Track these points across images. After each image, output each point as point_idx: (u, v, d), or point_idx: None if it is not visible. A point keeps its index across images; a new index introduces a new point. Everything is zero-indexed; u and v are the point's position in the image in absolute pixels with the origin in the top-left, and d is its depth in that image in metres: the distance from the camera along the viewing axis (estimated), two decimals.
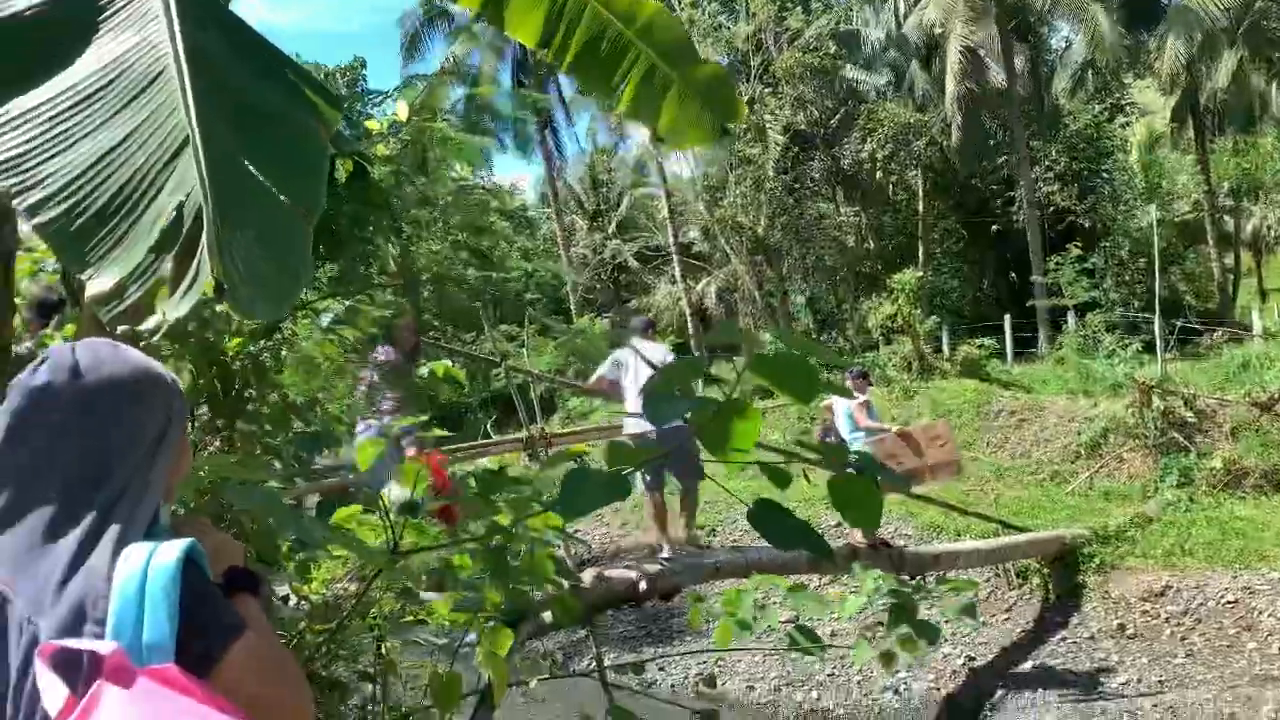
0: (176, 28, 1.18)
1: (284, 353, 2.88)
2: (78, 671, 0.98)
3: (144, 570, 1.06)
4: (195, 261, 1.03)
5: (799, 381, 1.56)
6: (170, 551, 1.08)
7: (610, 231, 33.95)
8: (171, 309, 1.03)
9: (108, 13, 1.23)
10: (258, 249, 1.06)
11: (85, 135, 1.15)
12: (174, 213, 1.05)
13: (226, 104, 1.17)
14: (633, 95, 2.57)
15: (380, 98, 25.51)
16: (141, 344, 1.17)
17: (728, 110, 2.67)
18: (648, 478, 6.53)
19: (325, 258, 2.79)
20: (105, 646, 0.99)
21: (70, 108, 1.17)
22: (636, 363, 6.17)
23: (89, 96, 1.18)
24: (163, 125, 1.13)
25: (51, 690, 0.97)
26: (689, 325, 28.42)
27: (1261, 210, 28.99)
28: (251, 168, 1.15)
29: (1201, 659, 8.17)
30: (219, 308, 2.98)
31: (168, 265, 1.05)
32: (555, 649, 9.39)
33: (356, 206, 2.66)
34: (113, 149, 1.13)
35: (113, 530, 1.10)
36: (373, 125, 3.03)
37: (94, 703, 0.95)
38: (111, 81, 1.19)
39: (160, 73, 1.17)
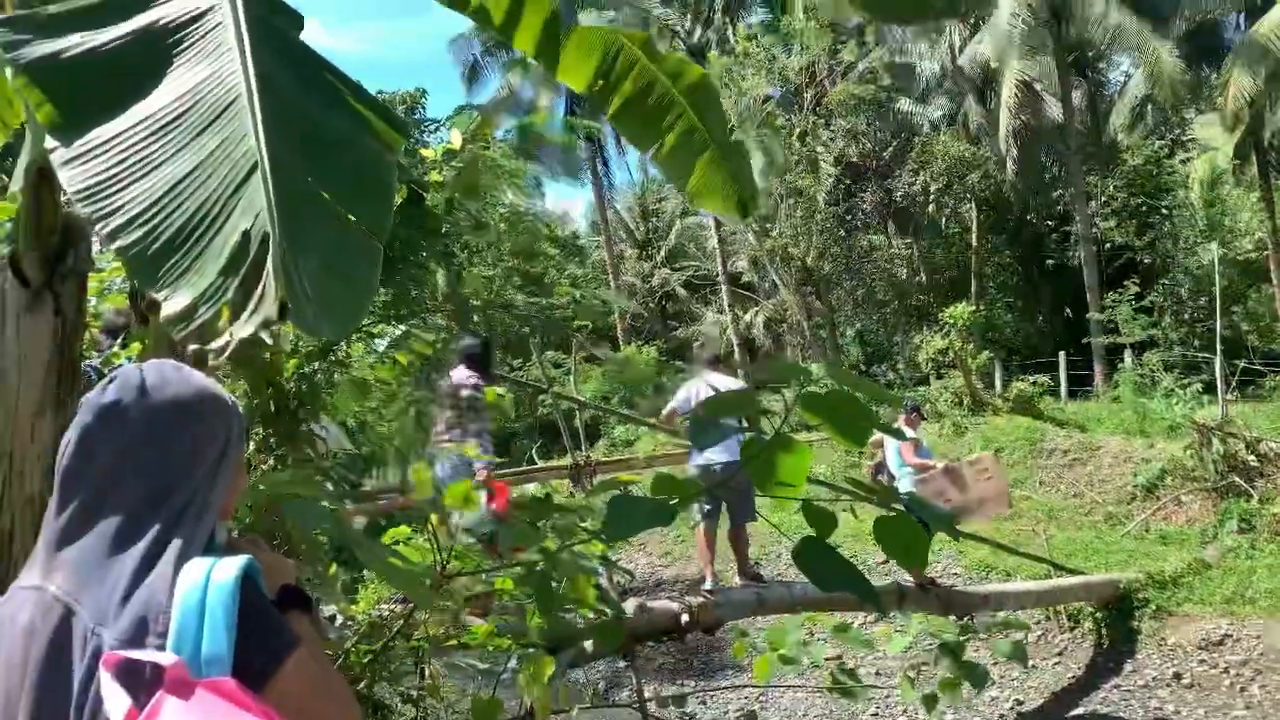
0: (249, 58, 1.22)
1: (336, 375, 2.93)
2: (140, 682, 1.01)
3: (204, 585, 1.08)
4: (261, 283, 1.06)
5: (851, 422, 1.54)
6: (229, 568, 1.11)
7: (659, 260, 34.09)
8: (239, 329, 1.07)
9: (183, 45, 1.27)
10: (324, 270, 1.09)
11: (161, 163, 1.20)
12: (242, 236, 1.09)
13: (295, 131, 1.21)
14: (670, 150, 2.64)
15: (435, 126, 25.99)
16: (210, 364, 1.21)
17: (744, 188, 2.72)
18: (706, 508, 6.49)
19: (380, 282, 2.84)
20: (166, 658, 1.02)
21: (147, 137, 1.22)
22: (705, 394, 6.15)
23: (164, 126, 1.23)
24: (233, 152, 1.17)
25: (114, 699, 1.00)
26: (735, 355, 28.36)
27: None
28: (320, 191, 1.18)
29: (1261, 711, 7.89)
30: (275, 329, 3.06)
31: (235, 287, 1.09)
32: (597, 679, 9.34)
33: (410, 232, 2.71)
34: (186, 175, 1.18)
35: (175, 545, 1.13)
36: (427, 153, 3.09)
37: (154, 713, 0.98)
38: (186, 111, 1.23)
39: (232, 102, 1.21)
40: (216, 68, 1.26)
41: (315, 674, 1.14)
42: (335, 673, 1.26)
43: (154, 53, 1.30)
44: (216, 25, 1.25)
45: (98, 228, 1.16)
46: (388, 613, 3.19)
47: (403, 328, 3.29)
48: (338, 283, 1.09)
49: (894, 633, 3.63)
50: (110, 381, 1.20)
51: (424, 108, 28.24)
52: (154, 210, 1.16)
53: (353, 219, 1.18)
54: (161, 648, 1.04)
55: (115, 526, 1.13)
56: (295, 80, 1.27)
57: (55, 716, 1.06)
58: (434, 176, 3.14)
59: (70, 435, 1.19)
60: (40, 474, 2.32)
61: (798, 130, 24.41)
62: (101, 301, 3.04)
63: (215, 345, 1.14)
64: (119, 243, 1.14)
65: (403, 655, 3.36)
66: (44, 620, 1.10)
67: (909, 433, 8.11)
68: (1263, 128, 25.01)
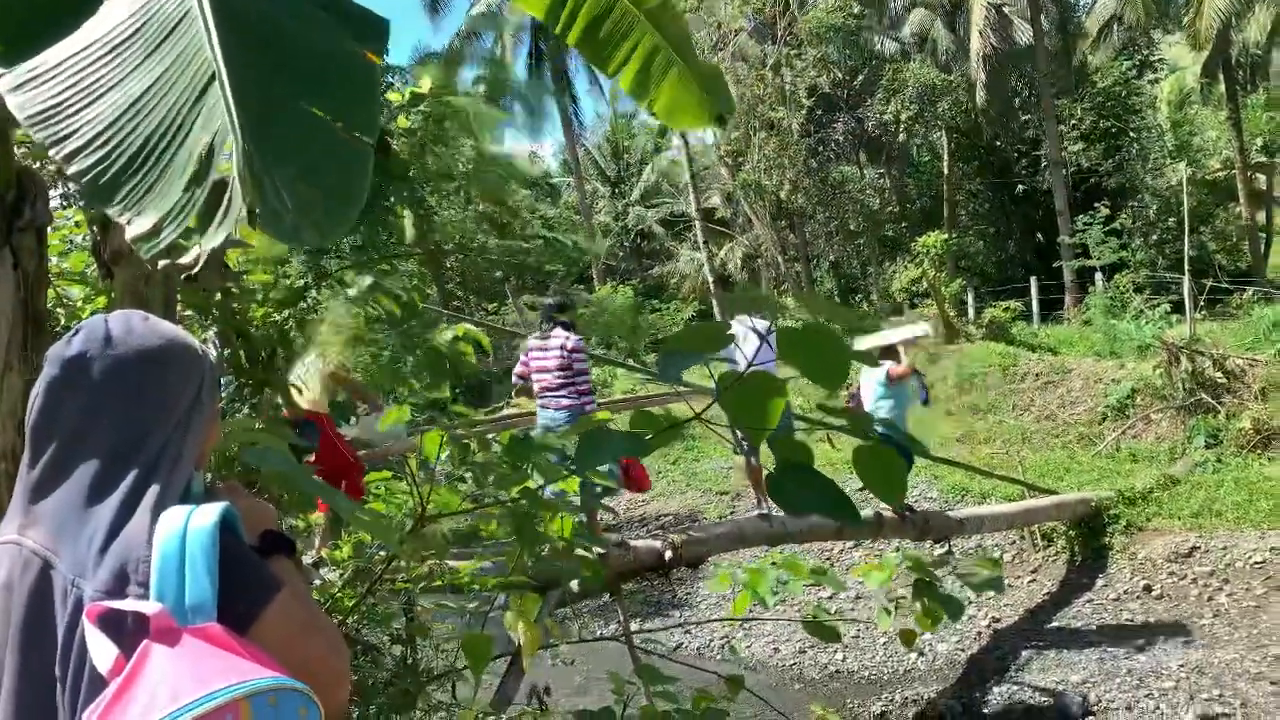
0: None
1: (308, 322, 2.92)
2: (125, 632, 1.02)
3: (183, 532, 1.08)
4: (228, 192, 1.04)
5: (828, 362, 1.50)
6: (207, 514, 1.11)
7: (632, 198, 33.84)
8: (208, 240, 1.06)
9: None
10: (302, 176, 1.07)
11: (115, 83, 1.17)
12: (205, 149, 1.07)
13: (259, 38, 1.18)
14: (635, 73, 2.63)
15: (399, 72, 25.48)
16: (183, 276, 1.20)
17: (723, 102, 2.75)
18: (742, 443, 6.77)
19: (353, 228, 2.81)
20: (150, 607, 1.02)
21: (99, 58, 1.19)
22: (745, 333, 6.13)
23: (117, 45, 1.20)
24: (190, 66, 1.14)
25: (101, 650, 1.01)
26: (711, 291, 28.38)
27: None
28: (291, 97, 1.16)
29: (1229, 619, 8.14)
30: (245, 279, 3.03)
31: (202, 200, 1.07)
32: (584, 615, 9.50)
33: (377, 178, 2.67)
34: (142, 95, 1.15)
35: (150, 495, 1.13)
36: (394, 97, 3.04)
37: (142, 661, 0.99)
38: (138, 29, 1.20)
39: (185, 14, 1.18)
40: None
41: (299, 616, 1.14)
42: (321, 614, 1.27)
43: None
44: None
45: (52, 152, 1.13)
46: (373, 557, 3.22)
47: (371, 275, 3.25)
48: (318, 189, 1.08)
49: (872, 568, 3.68)
50: (75, 333, 1.18)
51: (386, 50, 27.63)
52: (111, 131, 1.13)
53: (334, 124, 1.16)
54: (143, 597, 1.04)
55: (89, 478, 1.13)
56: None
57: (42, 670, 1.07)
58: (401, 122, 3.10)
59: (38, 389, 1.18)
60: (12, 429, 2.31)
61: (770, 62, 24.13)
62: (64, 259, 2.99)
63: (186, 260, 1.12)
64: (75, 167, 1.11)
65: (389, 598, 3.40)
66: (23, 575, 1.10)
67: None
68: (1230, 46, 24.95)
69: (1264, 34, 26.07)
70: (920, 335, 8.03)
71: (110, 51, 1.20)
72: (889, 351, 7.55)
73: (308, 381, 4.31)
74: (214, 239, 1.03)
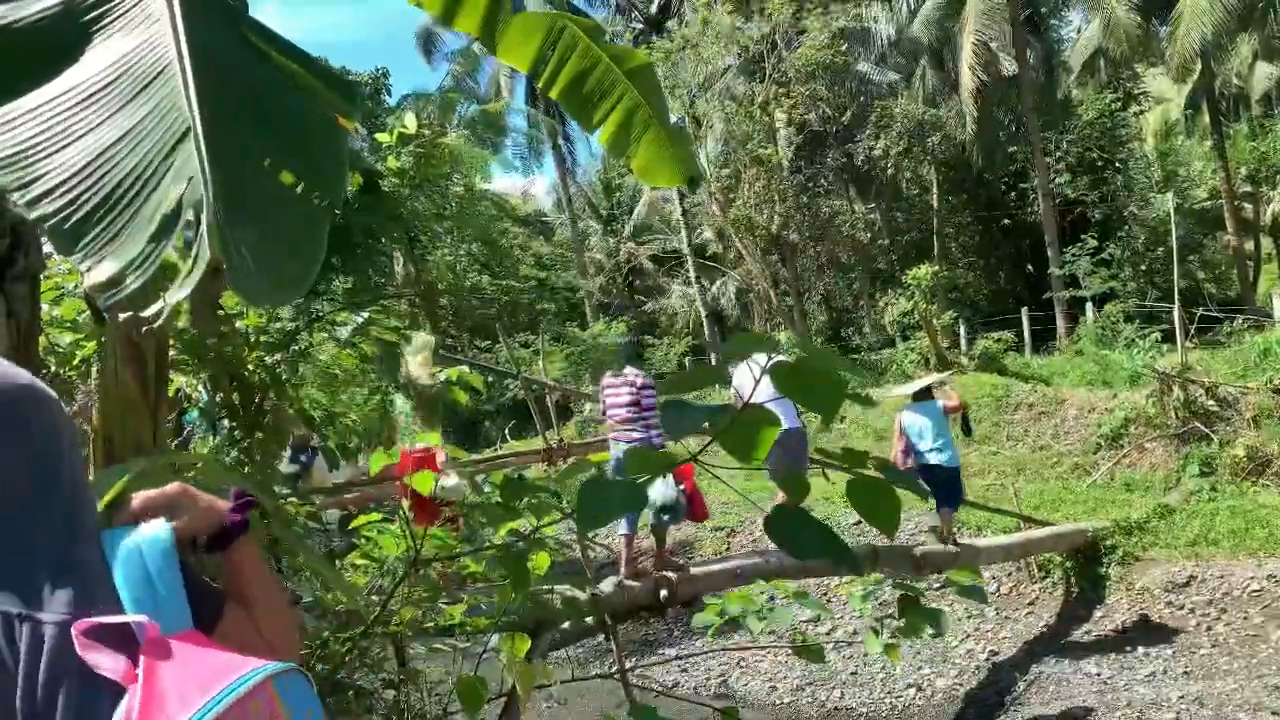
0: (180, 25, 1.21)
1: (300, 366, 2.93)
2: (123, 642, 1.02)
3: (139, 552, 1.10)
4: (195, 247, 1.05)
5: (824, 396, 1.53)
6: (154, 530, 1.14)
7: (624, 235, 34.02)
8: (172, 294, 1.06)
9: (112, 15, 1.25)
10: (265, 237, 1.08)
11: (87, 132, 1.18)
12: (174, 202, 1.08)
13: (235, 97, 1.19)
14: (614, 129, 2.71)
15: (393, 113, 25.75)
16: (146, 329, 1.19)
17: (690, 165, 2.85)
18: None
19: (339, 270, 2.83)
20: (139, 617, 1.03)
21: (72, 106, 1.20)
22: (755, 373, 6.26)
23: (91, 95, 1.21)
24: (165, 119, 1.14)
25: (106, 661, 1.00)
26: (704, 327, 28.44)
27: None
28: (261, 158, 1.17)
29: (1227, 649, 8.11)
30: (239, 324, 3.05)
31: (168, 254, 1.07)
32: (579, 654, 9.43)
33: (368, 218, 2.70)
34: (114, 144, 1.15)
35: (83, 520, 1.13)
36: (382, 138, 3.07)
37: (151, 668, 1.00)
38: (115, 80, 1.21)
39: (163, 69, 1.19)
40: (147, 36, 1.23)
41: (245, 624, 1.20)
42: (270, 595, 1.29)
43: (80, 23, 1.27)
44: None
45: (15, 197, 1.13)
46: (364, 601, 3.20)
47: (365, 315, 3.27)
48: (280, 251, 1.09)
49: (854, 591, 3.72)
50: None
51: (389, 89, 27.89)
52: (78, 178, 1.13)
53: (298, 188, 1.17)
54: (110, 613, 1.04)
55: (8, 517, 1.08)
56: (237, 50, 1.26)
57: None
58: (390, 163, 3.13)
59: None
60: None
61: (759, 99, 24.38)
62: (56, 306, 3.00)
63: (149, 313, 1.12)
64: (38, 211, 1.11)
65: (381, 642, 3.38)
66: None
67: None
68: (1214, 78, 25.32)
69: (1245, 65, 26.49)
70: (941, 380, 9.37)
71: (85, 99, 1.21)
72: (923, 393, 8.48)
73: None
74: (178, 293, 1.04)
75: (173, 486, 1.27)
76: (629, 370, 6.37)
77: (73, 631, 1.01)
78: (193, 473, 2.46)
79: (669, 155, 2.79)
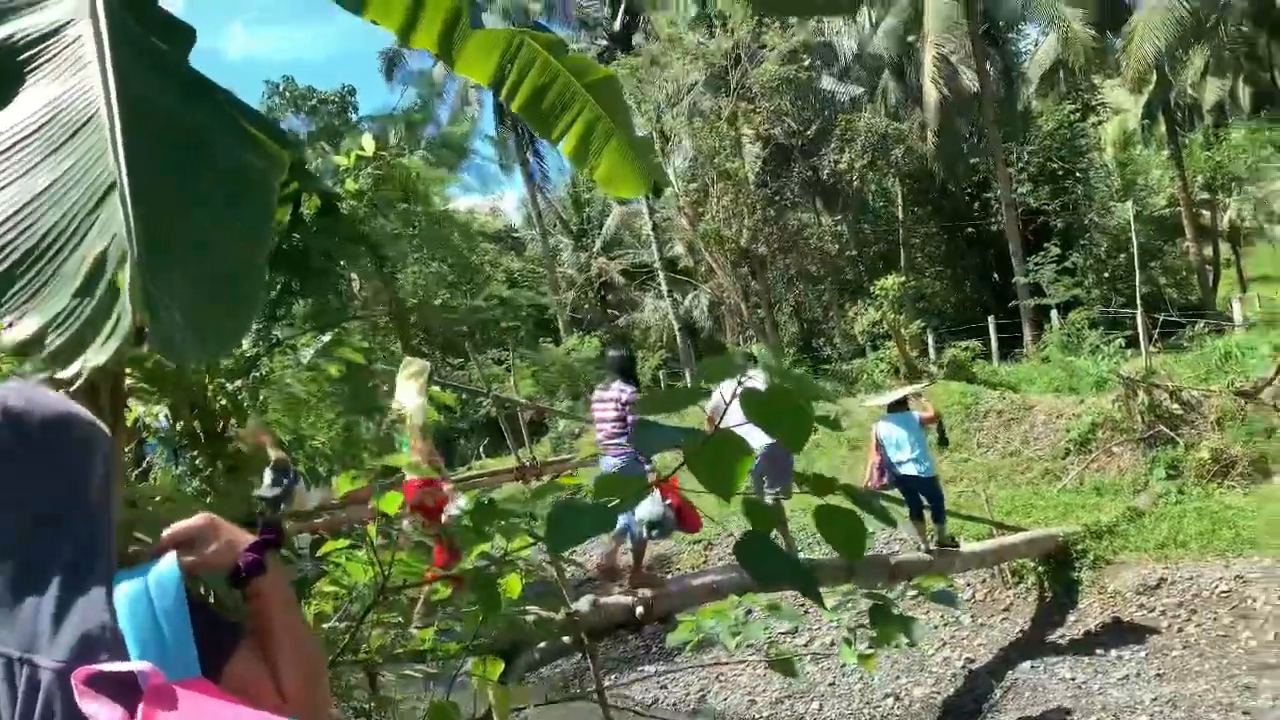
0: (110, 72, 1.18)
1: (262, 392, 2.89)
2: (124, 691, 0.99)
3: (146, 593, 1.08)
4: (117, 307, 1.02)
5: (791, 425, 1.53)
6: (163, 568, 1.11)
7: (595, 249, 34.04)
8: (93, 356, 1.03)
9: (40, 60, 1.21)
10: (194, 292, 1.05)
11: (9, 183, 1.14)
12: (97, 258, 1.04)
13: (165, 146, 1.16)
14: (576, 141, 2.71)
15: (363, 128, 25.71)
16: (65, 390, 1.14)
17: (654, 174, 2.86)
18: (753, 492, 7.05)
19: (299, 294, 2.80)
20: (142, 665, 1.00)
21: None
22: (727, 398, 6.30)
23: (18, 143, 1.17)
24: (91, 170, 1.11)
25: (103, 713, 0.97)
26: (678, 340, 28.49)
27: (1236, 202, 29.28)
28: (190, 210, 1.14)
29: (1198, 650, 8.20)
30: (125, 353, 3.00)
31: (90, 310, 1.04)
32: (557, 674, 9.36)
33: (326, 241, 2.67)
34: (37, 195, 1.12)
35: (97, 562, 1.10)
36: (340, 160, 3.05)
37: (151, 716, 0.97)
38: (40, 128, 1.17)
39: (92, 117, 1.15)
40: (77, 82, 1.20)
41: (257, 667, 1.15)
42: (297, 635, 1.24)
43: (13, 64, 1.24)
44: (76, 39, 1.20)
45: None
46: (332, 628, 3.16)
47: (327, 337, 3.23)
48: (209, 305, 1.06)
49: (829, 606, 3.72)
50: None
51: (355, 107, 27.85)
52: (2, 229, 1.10)
53: (227, 241, 1.15)
54: (113, 659, 1.01)
55: (15, 555, 1.08)
56: (168, 97, 1.23)
57: None
58: (349, 185, 3.11)
59: None
60: None
61: (725, 113, 24.53)
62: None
63: (67, 374, 1.09)
64: None
65: (351, 670, 3.33)
66: None
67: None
68: (1169, 89, 25.81)
69: (1198, 75, 27.02)
70: (917, 390, 9.64)
71: (11, 146, 1.17)
72: (899, 404, 8.60)
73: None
74: (99, 355, 1.00)
75: (198, 519, 1.24)
76: (616, 385, 6.35)
77: (72, 680, 0.98)
78: (152, 505, 2.42)
79: (632, 165, 2.80)
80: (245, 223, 1.18)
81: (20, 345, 1.03)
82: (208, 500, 2.65)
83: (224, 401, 2.86)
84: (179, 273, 1.05)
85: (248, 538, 1.25)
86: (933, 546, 8.53)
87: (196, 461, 2.78)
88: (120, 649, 1.03)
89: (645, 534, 6.28)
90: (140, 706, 0.97)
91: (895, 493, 8.62)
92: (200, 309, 1.04)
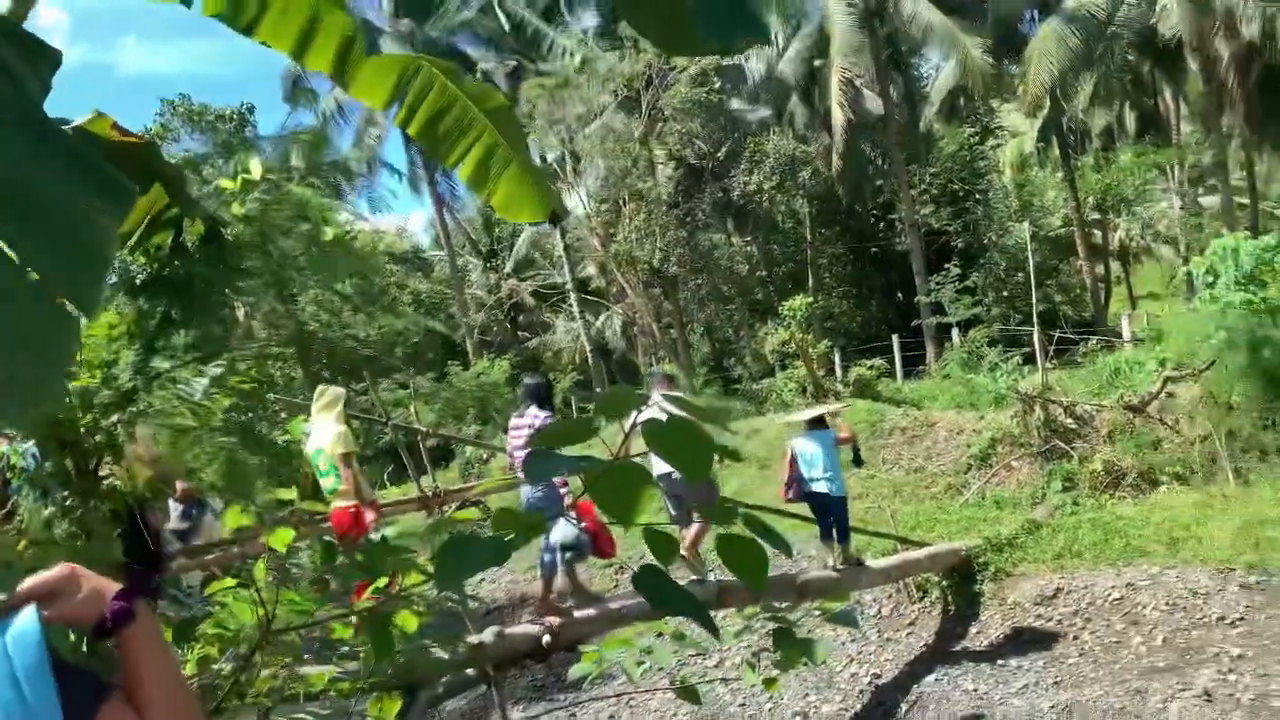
0: None
1: (139, 425, 2.76)
2: None
3: (4, 651, 1.04)
4: None
5: (690, 456, 1.54)
6: (22, 624, 1.06)
7: (506, 270, 33.83)
8: None
9: None
10: (9, 348, 0.98)
11: None
12: None
13: None
14: (474, 166, 2.72)
15: (264, 147, 25.13)
16: None
17: (551, 199, 2.88)
18: (673, 513, 7.39)
19: (179, 323, 2.69)
20: None
21: None
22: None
23: None
24: None
25: None
26: (590, 361, 28.45)
27: (1126, 222, 30.72)
28: (12, 259, 1.08)
29: (1093, 656, 8.46)
30: (72, 384, 2.86)
31: None
32: (464, 707, 9.19)
33: (209, 269, 2.58)
34: None
35: None
36: (226, 184, 2.96)
37: None
38: None
39: None
40: None
41: (127, 718, 1.12)
42: (163, 695, 1.19)
43: None
44: None
45: None
46: (217, 670, 3.02)
47: (216, 368, 3.12)
48: (23, 362, 1.00)
49: (729, 626, 3.77)
50: None
51: (254, 125, 27.23)
52: None
53: (51, 295, 1.09)
54: None
55: None
56: (4, 136, 1.16)
57: None
58: (235, 209, 3.01)
59: None
60: None
61: (637, 134, 24.71)
62: None
63: None
64: None
65: (243, 713, 3.20)
66: None
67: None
68: (1062, 113, 26.96)
69: (1089, 101, 28.28)
70: (835, 410, 10.07)
71: None
72: (817, 421, 8.76)
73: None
74: None
75: (59, 569, 1.20)
76: (530, 411, 6.29)
77: None
78: (19, 549, 2.29)
79: (530, 191, 2.81)
80: (74, 275, 1.11)
81: None
82: (79, 543, 2.52)
83: (99, 438, 2.73)
84: (9, 332, 0.98)
85: (114, 586, 1.21)
86: (839, 565, 8.66)
87: (68, 502, 2.64)
88: None
89: (560, 559, 6.25)
90: None
91: (805, 508, 8.77)
92: (12, 366, 0.97)
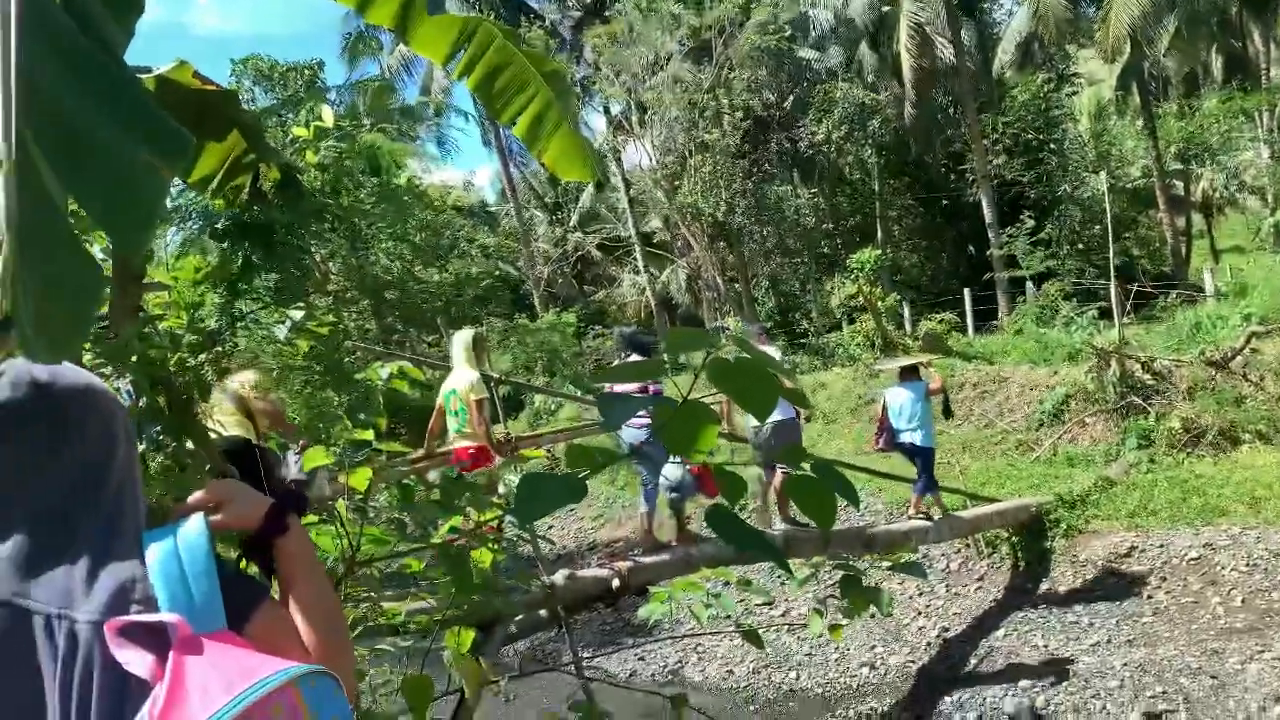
0: (13, 39, 1.12)
1: (226, 366, 2.84)
2: (155, 641, 1.06)
3: (175, 553, 1.15)
4: None
5: (757, 393, 1.58)
6: (191, 529, 1.19)
7: (571, 224, 33.87)
8: None
9: None
10: (47, 289, 1.01)
11: None
12: None
13: (53, 132, 1.11)
14: (529, 123, 2.78)
15: (337, 96, 25.43)
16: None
17: (597, 166, 2.97)
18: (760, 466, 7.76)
19: (261, 268, 2.76)
20: (172, 617, 1.08)
21: None
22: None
23: None
24: None
25: (134, 659, 1.05)
26: (654, 315, 28.47)
27: (1209, 172, 29.49)
28: (65, 202, 1.10)
29: (1168, 616, 8.32)
30: (162, 325, 2.95)
31: None
32: (534, 648, 9.40)
33: (288, 214, 2.63)
34: None
35: (127, 525, 1.19)
36: (300, 132, 3.00)
37: (180, 663, 1.05)
38: None
39: None
40: None
41: (284, 622, 1.23)
42: (322, 598, 1.31)
43: None
44: None
45: None
46: None
47: (297, 312, 3.19)
48: (58, 304, 1.02)
49: (798, 574, 3.80)
50: None
51: (323, 80, 27.54)
52: None
53: (94, 237, 1.12)
54: (145, 613, 1.09)
55: (51, 521, 1.15)
56: (68, 78, 1.17)
57: (17, 701, 1.08)
58: (309, 157, 3.06)
59: None
60: None
61: (706, 84, 24.39)
62: None
63: None
64: None
65: None
66: None
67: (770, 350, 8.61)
68: (1143, 59, 25.89)
69: (1171, 44, 27.10)
70: (926, 361, 10.18)
71: None
72: (909, 372, 8.88)
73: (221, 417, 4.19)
74: None
75: (225, 483, 1.35)
76: (634, 357, 6.53)
77: (105, 630, 1.06)
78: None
79: (580, 152, 2.87)
80: (123, 218, 1.14)
81: None
82: (173, 476, 2.61)
83: (187, 377, 2.81)
84: (40, 262, 1.00)
85: (269, 501, 1.34)
86: (912, 515, 8.74)
87: (161, 438, 2.73)
88: (151, 603, 1.10)
89: (667, 499, 6.67)
90: (170, 654, 1.05)
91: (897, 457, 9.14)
92: (47, 307, 1.00)
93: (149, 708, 1.02)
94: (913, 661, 8.85)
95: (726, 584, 4.06)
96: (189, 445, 2.83)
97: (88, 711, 1.06)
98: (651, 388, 6.26)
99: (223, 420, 4.29)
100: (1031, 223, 20.99)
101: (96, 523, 1.17)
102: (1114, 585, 8.96)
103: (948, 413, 9.93)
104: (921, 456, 8.68)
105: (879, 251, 21.95)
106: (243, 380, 4.03)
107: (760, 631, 3.88)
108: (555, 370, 22.49)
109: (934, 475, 8.88)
